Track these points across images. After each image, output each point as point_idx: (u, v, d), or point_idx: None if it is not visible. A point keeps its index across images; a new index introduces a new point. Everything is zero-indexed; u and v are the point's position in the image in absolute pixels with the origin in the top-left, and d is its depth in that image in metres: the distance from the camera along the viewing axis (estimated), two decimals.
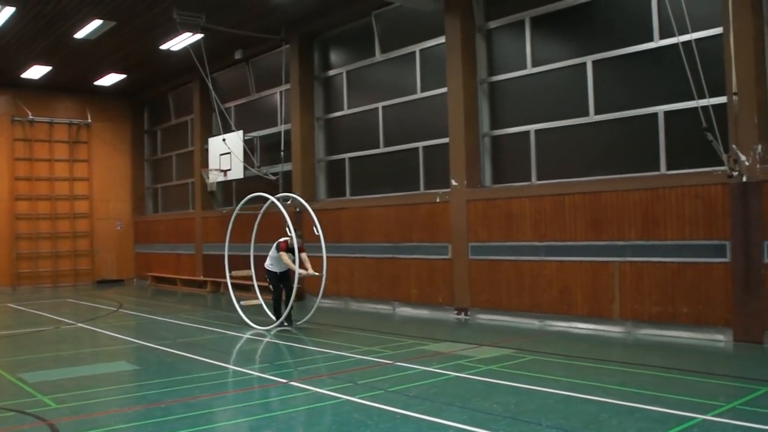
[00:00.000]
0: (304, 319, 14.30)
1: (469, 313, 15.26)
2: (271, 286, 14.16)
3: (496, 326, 14.17)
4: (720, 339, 11.46)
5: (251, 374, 9.95)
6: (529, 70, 14.82)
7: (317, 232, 14.06)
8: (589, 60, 13.72)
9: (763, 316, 11.03)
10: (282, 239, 14.05)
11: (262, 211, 15.50)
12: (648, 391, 8.15)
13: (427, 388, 8.61)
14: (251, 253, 15.60)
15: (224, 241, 15.54)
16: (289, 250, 13.78)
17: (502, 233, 14.63)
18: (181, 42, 20.02)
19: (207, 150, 23.17)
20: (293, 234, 13.64)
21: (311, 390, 8.62)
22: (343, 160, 19.48)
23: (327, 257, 14.02)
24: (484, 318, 14.94)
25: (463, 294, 15.33)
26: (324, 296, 14.83)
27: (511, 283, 14.46)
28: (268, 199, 14.70)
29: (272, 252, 14.11)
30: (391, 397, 8.14)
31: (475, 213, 15.12)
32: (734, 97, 11.10)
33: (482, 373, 9.41)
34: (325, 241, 14.16)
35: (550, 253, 13.76)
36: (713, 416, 7.05)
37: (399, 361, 10.32)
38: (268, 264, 14.16)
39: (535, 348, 11.35)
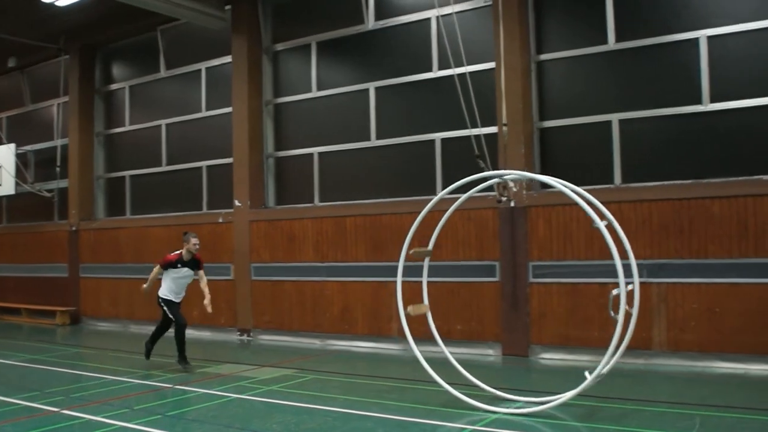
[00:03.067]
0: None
1: (251, 334, 15.08)
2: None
3: (279, 347, 14.11)
4: (490, 353, 12.15)
5: (18, 404, 9.11)
6: (315, 93, 15.03)
7: None
8: (372, 86, 14.16)
9: (528, 332, 11.85)
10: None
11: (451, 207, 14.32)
12: (423, 405, 8.45)
13: (206, 411, 8.39)
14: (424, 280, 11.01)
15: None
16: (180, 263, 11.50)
17: (284, 254, 14.64)
18: None
19: None
20: None
21: (84, 418, 8.10)
22: (124, 177, 18.63)
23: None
24: (267, 339, 14.83)
25: (246, 315, 15.14)
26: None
27: (293, 304, 14.48)
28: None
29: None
30: (168, 422, 7.86)
31: (258, 233, 15.02)
32: (504, 128, 11.91)
33: (263, 394, 9.31)
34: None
35: (331, 273, 13.95)
36: (482, 426, 7.48)
37: (179, 385, 9.99)
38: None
39: (317, 367, 11.42)
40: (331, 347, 13.73)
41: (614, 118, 11.81)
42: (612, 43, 11.93)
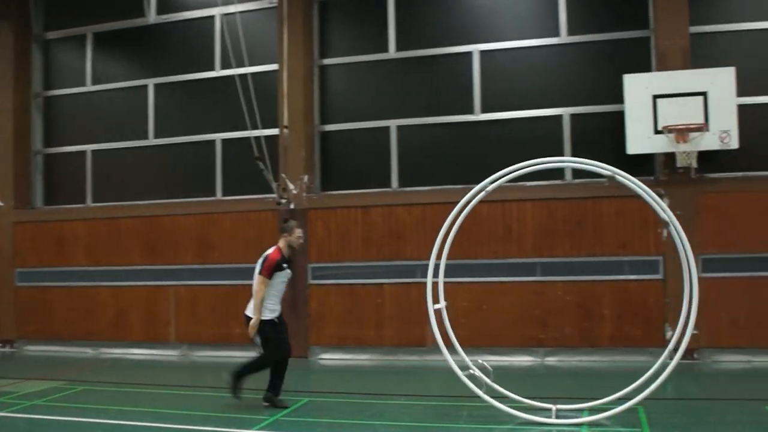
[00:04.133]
0: None
1: (15, 345, 13.97)
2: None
3: (47, 357, 13.18)
4: None
5: None
6: (90, 87, 14.23)
7: None
8: (151, 83, 13.64)
9: (307, 333, 11.91)
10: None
11: None
12: (200, 411, 8.21)
13: None
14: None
15: None
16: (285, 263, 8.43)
17: (53, 258, 13.72)
18: None
19: None
20: None
21: None
22: None
23: None
24: (34, 350, 13.81)
25: (9, 324, 14.00)
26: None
27: (63, 311, 13.60)
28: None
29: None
30: None
31: (23, 236, 13.97)
32: (285, 130, 11.90)
33: (25, 410, 8.59)
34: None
35: (105, 278, 13.27)
36: (259, 430, 7.33)
37: None
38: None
39: (88, 378, 10.77)
40: (105, 355, 13.05)
41: (393, 124, 12.20)
42: (393, 52, 12.32)
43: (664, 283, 10.92)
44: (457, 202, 11.35)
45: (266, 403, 8.21)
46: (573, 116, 11.55)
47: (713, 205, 10.89)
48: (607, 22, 11.64)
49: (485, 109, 11.83)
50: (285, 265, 8.34)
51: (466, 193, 11.50)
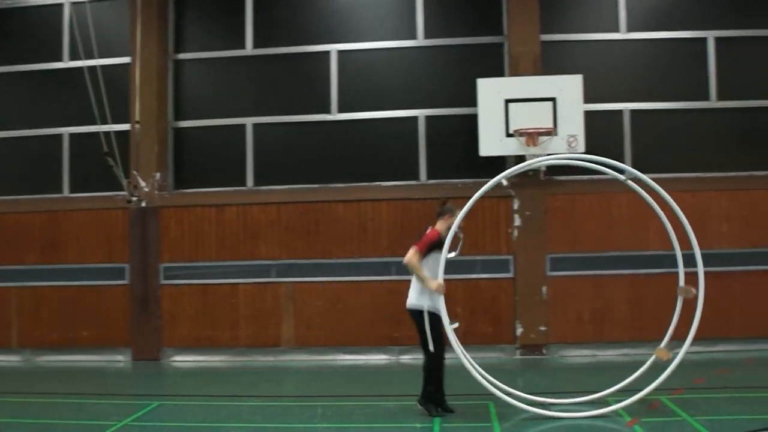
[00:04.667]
0: None
1: None
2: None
3: None
4: (120, 359, 11.67)
5: None
6: None
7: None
8: None
9: (159, 334, 11.58)
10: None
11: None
12: (33, 419, 7.79)
13: None
14: None
15: None
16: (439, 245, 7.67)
17: None
18: None
19: None
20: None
21: None
22: None
23: None
24: None
25: None
26: None
27: None
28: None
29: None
30: None
31: None
32: (137, 126, 11.51)
33: None
34: None
35: None
36: None
37: None
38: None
39: None
40: None
41: (249, 122, 12.02)
42: (250, 49, 12.15)
43: (515, 281, 11.27)
44: (313, 202, 11.43)
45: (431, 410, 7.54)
46: (428, 118, 11.74)
47: (560, 206, 11.34)
48: (463, 27, 11.91)
49: (342, 109, 11.85)
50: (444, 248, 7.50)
51: (323, 193, 11.60)
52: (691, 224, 7.35)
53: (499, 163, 11.47)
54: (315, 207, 11.52)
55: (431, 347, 7.38)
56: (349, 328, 11.38)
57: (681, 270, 7.71)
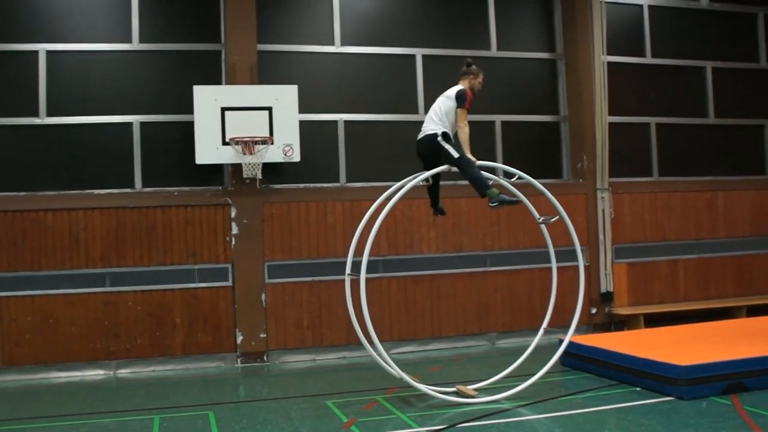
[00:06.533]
0: None
1: None
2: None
3: None
4: None
5: None
6: None
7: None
8: None
9: None
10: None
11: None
12: None
13: None
14: None
15: None
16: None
17: None
18: None
19: None
20: None
21: None
22: None
23: None
24: None
25: None
26: None
27: None
28: None
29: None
30: None
31: None
32: None
33: None
34: None
35: None
36: None
37: None
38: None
39: None
40: None
41: None
42: None
43: (233, 289, 11.35)
44: (19, 211, 10.69)
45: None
46: (144, 124, 11.44)
47: (277, 214, 11.58)
48: (180, 33, 11.75)
49: (52, 113, 11.19)
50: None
51: (32, 201, 10.93)
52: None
53: (216, 171, 11.55)
54: (21, 216, 10.79)
55: (455, 154, 7.97)
56: (62, 343, 10.80)
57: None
